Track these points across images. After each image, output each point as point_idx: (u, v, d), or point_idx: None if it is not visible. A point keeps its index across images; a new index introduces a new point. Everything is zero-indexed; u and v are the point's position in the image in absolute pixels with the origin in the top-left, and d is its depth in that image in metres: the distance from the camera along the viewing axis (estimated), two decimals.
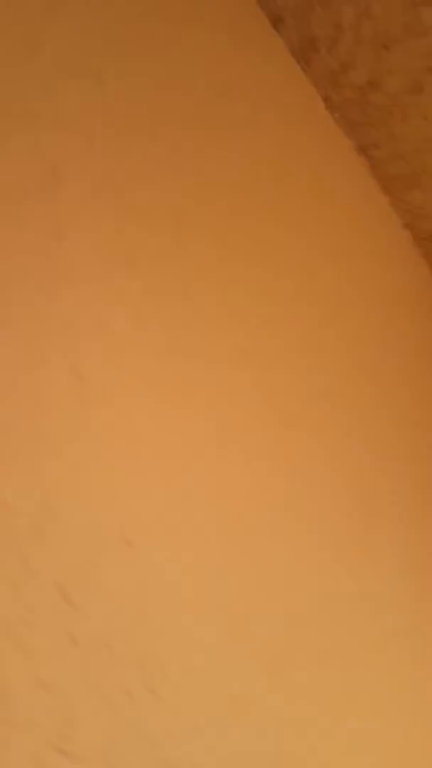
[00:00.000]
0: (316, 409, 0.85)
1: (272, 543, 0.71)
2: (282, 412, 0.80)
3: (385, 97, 1.16)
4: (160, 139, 0.72)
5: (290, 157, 1.01)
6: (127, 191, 0.66)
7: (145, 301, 0.65)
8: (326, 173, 1.12)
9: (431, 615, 1.04)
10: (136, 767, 0.53)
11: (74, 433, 0.53)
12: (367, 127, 1.21)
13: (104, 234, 0.62)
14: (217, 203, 0.79)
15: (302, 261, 0.92)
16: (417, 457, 1.12)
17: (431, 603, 1.04)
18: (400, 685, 0.94)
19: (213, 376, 0.71)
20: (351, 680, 0.82)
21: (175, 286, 0.69)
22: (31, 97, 0.57)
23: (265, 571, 0.69)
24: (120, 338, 0.60)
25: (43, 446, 0.50)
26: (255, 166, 0.90)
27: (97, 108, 0.64)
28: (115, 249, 0.62)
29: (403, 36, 1.06)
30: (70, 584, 0.50)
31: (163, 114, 0.74)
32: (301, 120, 1.10)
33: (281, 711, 0.70)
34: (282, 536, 0.73)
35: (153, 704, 0.56)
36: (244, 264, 0.81)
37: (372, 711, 0.86)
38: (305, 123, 1.11)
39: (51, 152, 0.58)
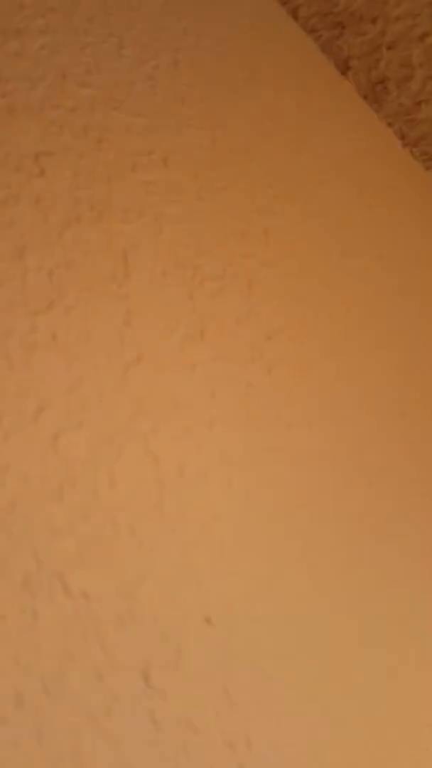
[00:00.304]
0: (402, 465, 0.82)
1: (359, 616, 0.69)
2: (365, 470, 0.78)
3: None
4: (226, 207, 0.73)
5: (370, 202, 1.00)
6: (197, 265, 0.67)
7: (216, 371, 0.65)
8: (412, 211, 1.10)
9: None
10: None
11: (150, 514, 0.54)
12: None
13: (174, 311, 0.63)
14: (288, 262, 0.79)
15: (381, 312, 0.90)
16: None
17: None
18: None
19: (290, 440, 0.70)
20: None
21: (247, 351, 0.70)
22: (98, 189, 0.60)
23: (354, 644, 0.67)
24: (193, 412, 0.61)
25: (120, 531, 0.51)
26: (331, 217, 0.90)
27: (163, 188, 0.66)
28: (186, 323, 0.64)
29: None
30: (152, 667, 0.51)
31: (230, 181, 0.76)
32: (378, 160, 1.08)
33: None
34: (370, 607, 0.71)
35: None
36: (317, 321, 0.80)
37: None
38: (383, 163, 1.09)
39: (121, 240, 0.60)
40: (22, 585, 0.45)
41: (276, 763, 0.58)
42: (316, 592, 0.65)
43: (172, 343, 0.62)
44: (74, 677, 0.46)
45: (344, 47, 1.01)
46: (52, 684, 0.45)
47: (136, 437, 0.55)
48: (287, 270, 0.79)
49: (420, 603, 0.77)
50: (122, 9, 0.69)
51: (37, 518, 0.47)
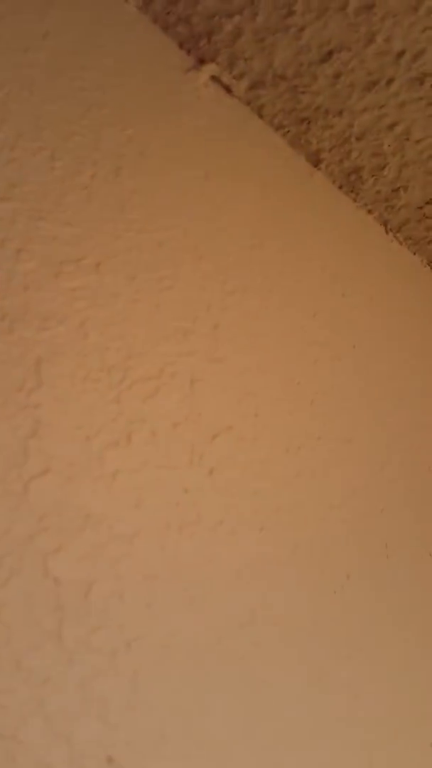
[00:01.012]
0: (374, 570, 0.76)
1: (287, 757, 0.62)
2: (328, 581, 0.72)
3: None
4: (168, 307, 0.72)
5: (345, 290, 0.98)
6: (127, 368, 0.66)
7: (144, 478, 0.62)
8: (399, 294, 1.07)
9: None
10: None
11: (44, 644, 0.50)
12: None
13: (96, 417, 0.61)
14: (239, 357, 0.77)
15: (349, 407, 0.86)
16: None
17: None
18: None
19: (233, 548, 0.66)
20: None
21: (185, 455, 0.67)
22: (13, 299, 0.60)
23: None
24: (108, 526, 0.58)
25: (3, 665, 0.48)
26: (298, 308, 0.88)
27: (92, 293, 0.66)
28: (109, 429, 0.62)
29: None
30: None
31: (175, 280, 0.75)
32: (362, 247, 1.07)
33: None
34: (298, 752, 0.63)
35: None
36: (273, 417, 0.76)
37: None
38: (368, 249, 1.08)
39: (36, 349, 0.59)
40: None
41: None
42: (237, 729, 0.58)
43: (89, 451, 0.59)
44: None
45: (313, 141, 1.01)
46: None
47: (32, 558, 0.52)
48: (238, 366, 0.76)
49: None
50: (57, 122, 0.71)
51: None
